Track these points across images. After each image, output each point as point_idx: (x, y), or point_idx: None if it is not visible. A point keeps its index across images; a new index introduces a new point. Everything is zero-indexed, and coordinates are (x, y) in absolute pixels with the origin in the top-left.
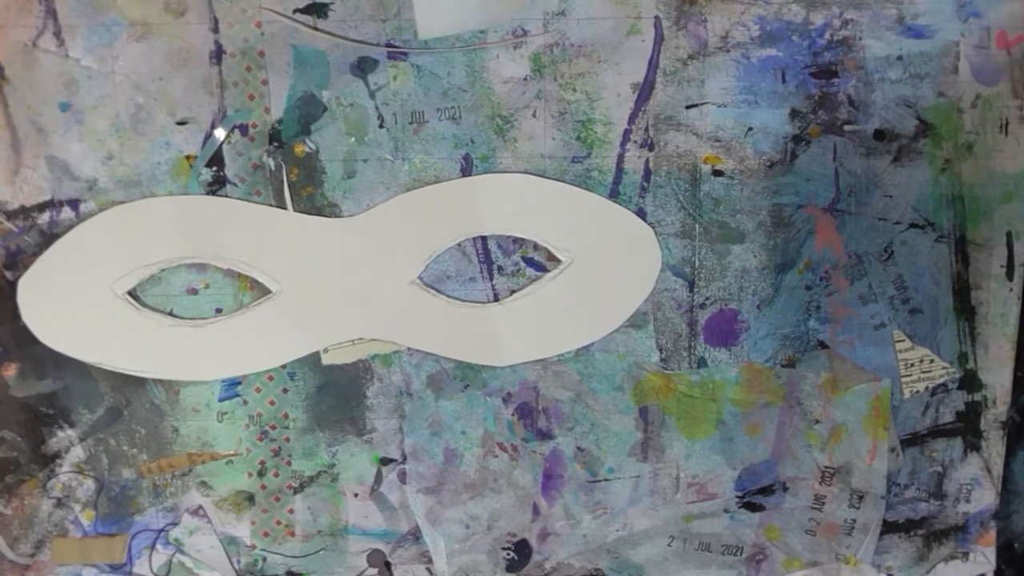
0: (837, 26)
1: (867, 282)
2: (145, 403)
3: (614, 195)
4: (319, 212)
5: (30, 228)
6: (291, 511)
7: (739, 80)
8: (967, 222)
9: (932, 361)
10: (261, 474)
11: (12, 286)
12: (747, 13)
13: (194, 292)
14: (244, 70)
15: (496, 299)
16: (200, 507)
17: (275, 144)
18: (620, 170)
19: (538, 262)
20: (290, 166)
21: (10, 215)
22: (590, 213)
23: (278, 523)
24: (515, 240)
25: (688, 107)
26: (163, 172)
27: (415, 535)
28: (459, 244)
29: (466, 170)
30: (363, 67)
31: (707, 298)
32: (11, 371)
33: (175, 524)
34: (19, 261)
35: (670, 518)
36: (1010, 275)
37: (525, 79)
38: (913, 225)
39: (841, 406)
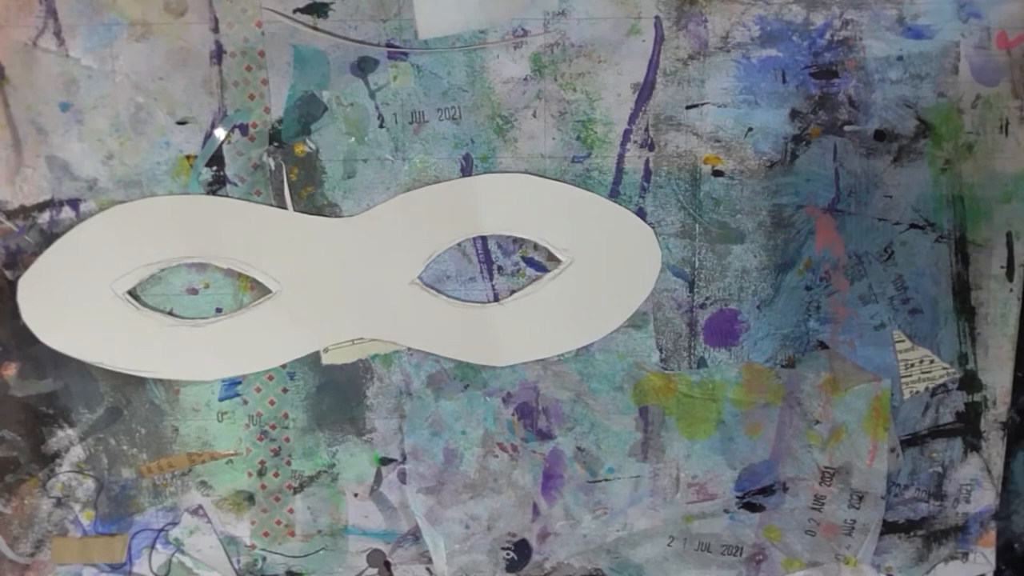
0: (837, 26)
1: (867, 282)
2: (145, 403)
3: (614, 195)
4: (319, 212)
5: (30, 228)
6: (291, 511)
7: (739, 80)
8: (967, 222)
9: (932, 361)
10: (261, 474)
11: (12, 286)
12: (747, 13)
13: (194, 292)
14: (244, 70)
15: (496, 299)
16: (200, 507)
17: (275, 144)
18: (620, 170)
19: (538, 262)
20: (290, 166)
21: (10, 215)
22: (590, 213)
23: (278, 523)
24: (515, 240)
25: (688, 107)
26: (163, 172)
27: (415, 535)
28: (459, 244)
29: (466, 170)
30: (363, 67)
31: (707, 298)
32: (11, 371)
33: (175, 524)
34: (19, 261)
35: (670, 518)
36: (1010, 275)
37: (525, 79)
38: (913, 225)
39: (841, 406)
